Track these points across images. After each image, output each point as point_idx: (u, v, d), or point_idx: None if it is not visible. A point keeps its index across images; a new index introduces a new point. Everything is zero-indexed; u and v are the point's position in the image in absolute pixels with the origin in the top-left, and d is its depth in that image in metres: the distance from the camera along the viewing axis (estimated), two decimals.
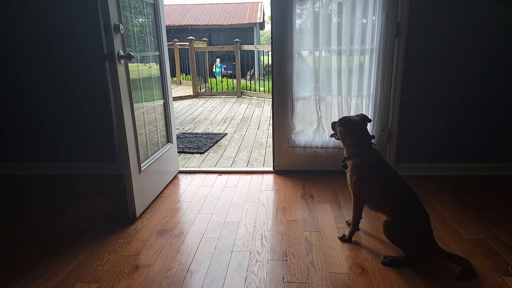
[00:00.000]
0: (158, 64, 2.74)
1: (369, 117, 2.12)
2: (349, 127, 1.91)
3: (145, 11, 2.57)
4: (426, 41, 2.66)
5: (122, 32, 2.06)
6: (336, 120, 2.02)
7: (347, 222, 2.16)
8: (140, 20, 2.55)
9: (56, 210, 2.44)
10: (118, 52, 2.03)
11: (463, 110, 2.78)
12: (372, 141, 1.93)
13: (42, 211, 2.43)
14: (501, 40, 2.63)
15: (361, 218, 2.00)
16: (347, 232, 2.00)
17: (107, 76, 2.83)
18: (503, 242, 1.93)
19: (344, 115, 2.49)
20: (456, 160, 2.88)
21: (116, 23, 2.00)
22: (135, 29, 2.42)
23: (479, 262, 1.75)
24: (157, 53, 2.70)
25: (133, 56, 2.11)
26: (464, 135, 2.83)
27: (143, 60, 2.57)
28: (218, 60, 12.46)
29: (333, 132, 2.01)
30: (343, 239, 1.98)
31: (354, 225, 1.98)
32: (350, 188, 1.94)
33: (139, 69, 2.47)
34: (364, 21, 2.68)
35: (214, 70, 12.26)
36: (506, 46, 2.64)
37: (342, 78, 2.80)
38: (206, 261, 1.84)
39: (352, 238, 1.98)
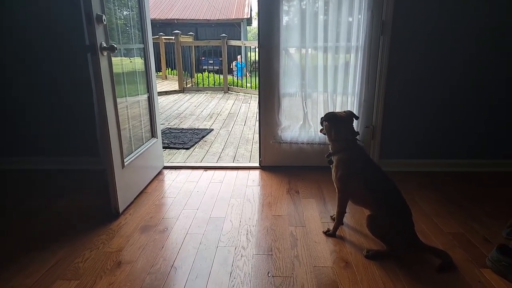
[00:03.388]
0: (142, 58, 2.69)
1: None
2: (334, 122, 1.93)
3: (129, 3, 2.52)
4: (411, 39, 2.70)
5: (105, 23, 2.01)
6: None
7: (331, 217, 2.18)
8: (124, 12, 2.50)
9: (36, 205, 2.38)
10: (101, 44, 1.98)
11: (447, 107, 2.84)
12: (357, 137, 1.95)
13: (22, 206, 2.36)
14: (487, 38, 2.68)
15: (345, 213, 2.02)
16: (331, 226, 2.02)
17: (89, 68, 2.77)
18: (482, 235, 1.98)
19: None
20: (439, 156, 2.94)
21: (98, 13, 1.95)
22: (119, 22, 2.37)
23: (458, 255, 1.80)
24: (141, 45, 2.65)
25: (116, 48, 2.06)
26: (448, 132, 2.89)
27: (128, 54, 2.52)
28: (239, 57, 10.64)
29: (321, 127, 2.03)
30: (327, 233, 2.00)
31: (339, 220, 2.00)
32: (334, 183, 1.96)
33: (123, 63, 2.42)
34: (350, 19, 2.70)
35: (233, 68, 10.37)
36: (492, 44, 2.69)
37: (328, 75, 2.82)
38: (190, 256, 1.82)
39: (337, 233, 2.00)
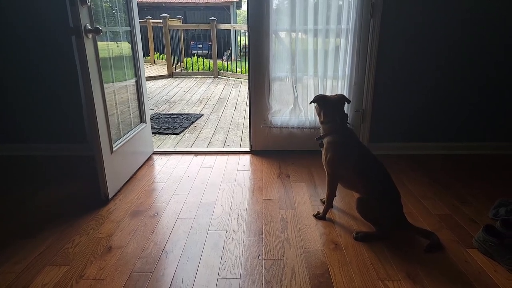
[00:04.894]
0: (129, 43, 2.62)
1: None
2: (322, 104, 1.93)
3: None
4: (401, 21, 2.67)
5: (89, 4, 1.94)
6: None
7: (321, 200, 2.20)
8: None
9: (24, 193, 2.34)
10: (85, 26, 1.92)
11: (436, 91, 2.85)
12: (347, 120, 1.95)
13: (9, 194, 2.32)
14: (477, 20, 2.66)
15: (335, 196, 2.04)
16: (321, 209, 2.04)
17: (74, 51, 2.69)
18: (468, 216, 2.02)
19: None
20: (428, 139, 2.97)
21: None
22: (104, 4, 2.29)
23: (445, 235, 1.84)
24: (128, 28, 2.58)
25: (101, 30, 2.00)
26: (437, 115, 2.90)
27: (114, 38, 2.44)
28: None
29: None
30: (317, 216, 2.02)
31: (328, 203, 2.01)
32: (324, 166, 1.97)
33: (109, 48, 2.35)
34: (340, 2, 2.66)
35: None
36: (482, 26, 2.67)
37: (318, 59, 2.79)
38: (181, 240, 1.82)
39: (326, 216, 2.02)
